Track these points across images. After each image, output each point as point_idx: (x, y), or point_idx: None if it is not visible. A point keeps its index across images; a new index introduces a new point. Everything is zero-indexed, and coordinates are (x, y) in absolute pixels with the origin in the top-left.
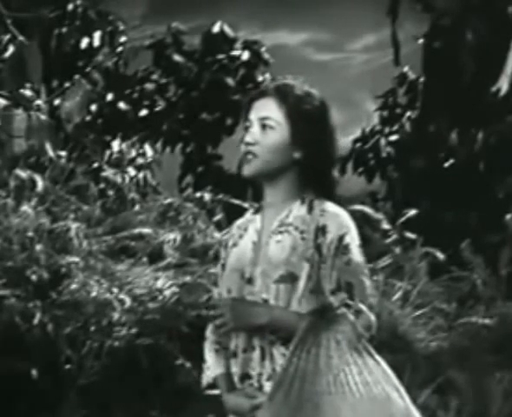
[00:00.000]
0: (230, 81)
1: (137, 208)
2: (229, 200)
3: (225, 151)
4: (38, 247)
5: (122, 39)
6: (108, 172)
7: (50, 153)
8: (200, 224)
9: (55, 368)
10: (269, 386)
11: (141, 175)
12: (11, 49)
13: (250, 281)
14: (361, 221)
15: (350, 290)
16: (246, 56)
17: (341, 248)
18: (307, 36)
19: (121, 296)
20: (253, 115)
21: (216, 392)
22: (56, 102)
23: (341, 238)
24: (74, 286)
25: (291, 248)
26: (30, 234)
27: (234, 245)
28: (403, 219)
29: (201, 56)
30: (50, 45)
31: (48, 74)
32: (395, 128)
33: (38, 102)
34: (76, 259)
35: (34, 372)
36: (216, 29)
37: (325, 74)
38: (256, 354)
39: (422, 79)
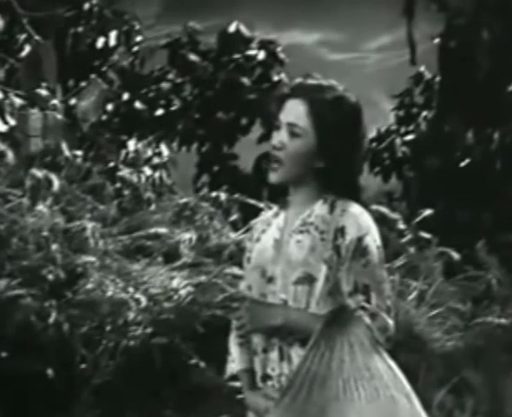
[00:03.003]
0: (246, 80)
1: (153, 207)
2: (245, 199)
3: (240, 151)
4: (54, 246)
5: (138, 38)
6: (124, 171)
7: (66, 152)
8: (216, 224)
9: (69, 368)
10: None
11: (156, 174)
12: (27, 48)
13: (271, 279)
14: (377, 221)
15: (367, 292)
16: (261, 55)
17: (359, 249)
18: (322, 35)
19: (137, 296)
20: (283, 117)
21: (237, 384)
22: (72, 101)
23: (360, 239)
24: (89, 285)
25: (309, 249)
26: (46, 233)
27: (257, 240)
28: (418, 219)
29: (217, 55)
30: (66, 44)
31: (64, 73)
32: (411, 127)
33: (54, 101)
34: (92, 258)
35: (49, 371)
36: (232, 28)
37: (340, 74)
38: (275, 355)
39: (438, 78)
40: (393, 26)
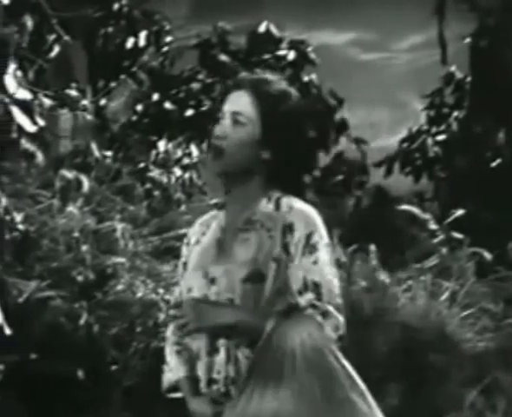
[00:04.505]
0: None
1: (183, 208)
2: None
3: None
4: (84, 247)
5: (168, 39)
6: (154, 172)
7: (96, 153)
8: None
9: (100, 369)
10: (234, 390)
11: (186, 175)
12: (56, 49)
13: (213, 280)
14: (408, 221)
15: (317, 290)
16: (292, 55)
17: (308, 246)
18: (353, 35)
19: (167, 297)
20: (227, 108)
21: (178, 395)
22: (102, 102)
23: (309, 236)
24: (119, 286)
25: (257, 247)
26: (76, 234)
27: (197, 243)
28: (450, 219)
29: (247, 55)
30: (96, 45)
31: (93, 74)
32: (442, 127)
33: (84, 102)
34: (122, 259)
35: (80, 373)
36: (262, 28)
37: (371, 74)
38: (220, 357)
39: (469, 78)
40: (424, 26)
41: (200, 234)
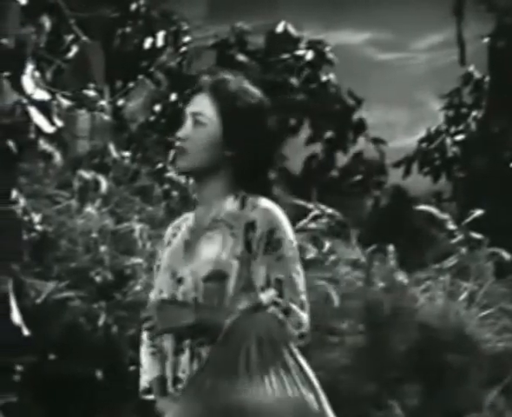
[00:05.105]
0: (294, 81)
1: None
2: (294, 200)
3: (289, 152)
4: (102, 248)
5: (186, 39)
6: (172, 173)
7: (114, 153)
8: None
9: (118, 370)
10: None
11: None
12: (74, 49)
13: (181, 280)
14: (427, 221)
15: (279, 287)
16: (310, 55)
17: (271, 243)
18: (371, 35)
19: None
20: (188, 110)
21: (152, 397)
22: (120, 102)
23: (271, 233)
24: (138, 287)
25: (220, 246)
26: (94, 235)
27: (168, 244)
28: (469, 219)
29: (265, 55)
30: (114, 45)
31: (111, 74)
32: (460, 127)
33: (102, 102)
34: (140, 260)
35: (98, 373)
36: (280, 28)
37: (389, 74)
38: (185, 357)
39: (487, 78)
40: (442, 26)
41: (172, 235)
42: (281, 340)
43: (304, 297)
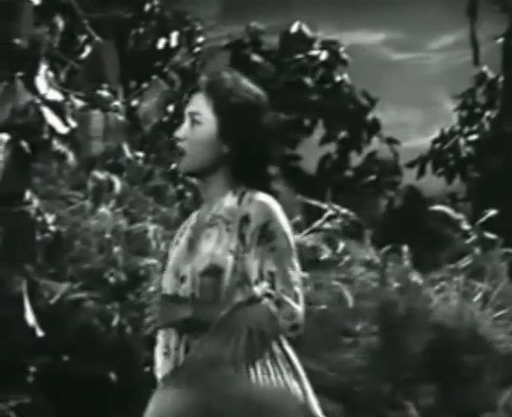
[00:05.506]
0: (308, 81)
1: None
2: (308, 201)
3: (303, 152)
4: (116, 249)
5: (200, 39)
6: None
7: (128, 154)
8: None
9: (132, 371)
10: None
11: None
12: (88, 49)
13: (183, 279)
14: (441, 221)
15: (272, 279)
16: (324, 55)
17: (265, 236)
18: (385, 35)
19: None
20: (187, 110)
21: None
22: (134, 102)
23: (265, 226)
24: (152, 288)
25: (216, 241)
26: (108, 236)
27: (177, 244)
28: (483, 219)
29: (279, 55)
30: (127, 46)
31: (125, 74)
32: (474, 127)
33: (116, 102)
34: (154, 261)
35: (112, 374)
36: (294, 28)
37: (403, 74)
38: (183, 350)
39: (501, 78)
40: (456, 26)
41: (180, 235)
42: (271, 333)
43: (298, 289)
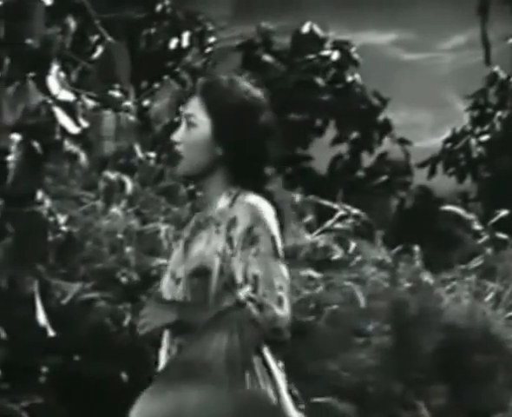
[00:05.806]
0: (320, 81)
1: None
2: (319, 201)
3: (315, 152)
4: (128, 249)
5: (211, 39)
6: None
7: (139, 154)
8: (291, 225)
9: (144, 371)
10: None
11: None
12: (100, 50)
13: (178, 281)
14: (452, 221)
15: (255, 283)
16: (335, 56)
17: (250, 239)
18: (396, 35)
19: None
20: (183, 113)
21: None
22: (145, 102)
23: (250, 229)
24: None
25: (206, 242)
26: (120, 236)
27: (177, 246)
28: (494, 219)
29: (291, 56)
30: (139, 46)
31: (136, 75)
32: (485, 128)
33: (127, 103)
34: (166, 261)
35: (123, 375)
36: (305, 28)
37: (414, 74)
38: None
39: None
40: (467, 26)
41: (181, 238)
42: (253, 337)
43: (281, 293)
